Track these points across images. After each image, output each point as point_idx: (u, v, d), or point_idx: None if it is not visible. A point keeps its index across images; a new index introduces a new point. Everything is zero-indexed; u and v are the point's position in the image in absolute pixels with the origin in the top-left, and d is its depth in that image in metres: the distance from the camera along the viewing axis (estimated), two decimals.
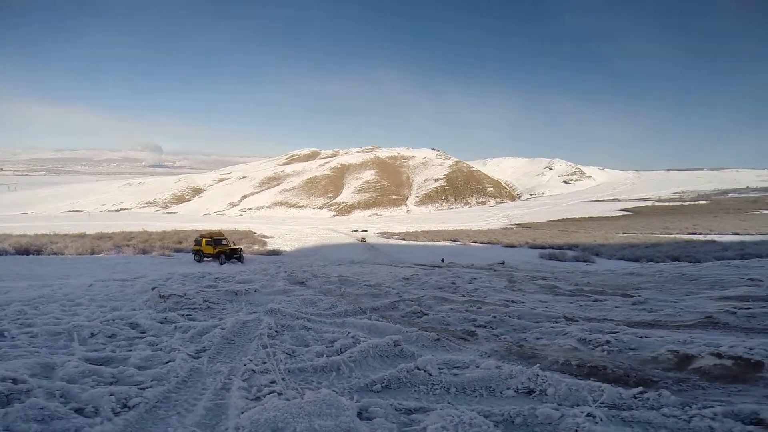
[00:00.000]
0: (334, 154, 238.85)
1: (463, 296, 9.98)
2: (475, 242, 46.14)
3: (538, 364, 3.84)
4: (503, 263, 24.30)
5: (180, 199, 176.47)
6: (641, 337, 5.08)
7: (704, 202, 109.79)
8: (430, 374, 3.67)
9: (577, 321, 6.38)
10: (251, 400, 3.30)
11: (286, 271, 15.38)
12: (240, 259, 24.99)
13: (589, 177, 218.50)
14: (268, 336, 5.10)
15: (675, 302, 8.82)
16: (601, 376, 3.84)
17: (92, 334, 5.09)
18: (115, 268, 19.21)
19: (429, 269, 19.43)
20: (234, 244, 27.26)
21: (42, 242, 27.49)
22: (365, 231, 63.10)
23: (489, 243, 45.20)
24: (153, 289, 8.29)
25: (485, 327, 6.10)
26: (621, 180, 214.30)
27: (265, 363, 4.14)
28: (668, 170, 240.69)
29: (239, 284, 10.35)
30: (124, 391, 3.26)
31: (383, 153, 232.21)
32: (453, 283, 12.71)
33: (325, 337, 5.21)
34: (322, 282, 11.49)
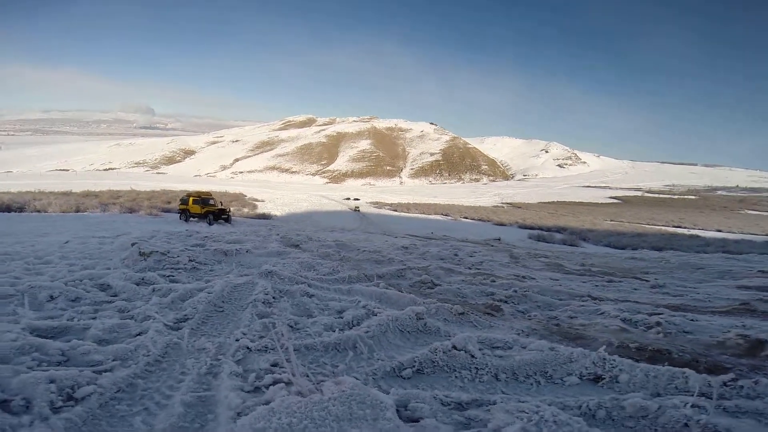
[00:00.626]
0: (331, 122, 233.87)
1: (469, 269, 9.40)
2: (466, 218, 46.27)
3: (603, 347, 3.14)
4: (499, 239, 23.95)
5: (171, 161, 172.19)
6: (691, 320, 4.50)
7: (693, 197, 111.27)
8: (473, 356, 2.93)
9: (605, 301, 5.81)
10: (248, 392, 2.46)
11: (278, 234, 14.62)
12: (228, 220, 24.20)
13: (584, 162, 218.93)
14: (264, 303, 4.27)
15: (694, 288, 8.38)
16: (667, 361, 3.21)
17: (51, 297, 4.15)
18: (99, 225, 18.18)
19: (424, 240, 18.92)
20: (222, 205, 26.37)
21: (25, 199, 26.11)
22: (357, 200, 62.27)
23: (480, 220, 45.43)
24: (133, 245, 7.41)
25: (506, 302, 5.44)
26: (615, 168, 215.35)
27: (263, 338, 3.29)
28: (663, 162, 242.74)
29: (229, 244, 9.50)
30: (71, 376, 2.33)
31: (381, 124, 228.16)
32: (455, 255, 12.15)
33: (331, 306, 4.40)
34: (318, 246, 10.74)
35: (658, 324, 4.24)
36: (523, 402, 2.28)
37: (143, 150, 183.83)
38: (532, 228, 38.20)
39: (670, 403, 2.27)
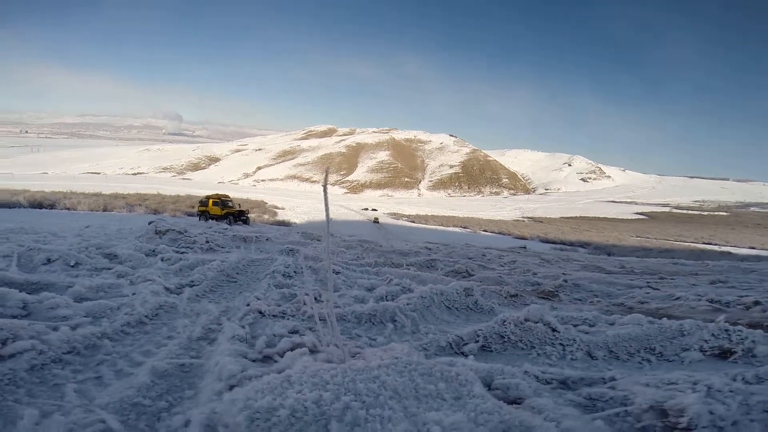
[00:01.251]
0: (351, 133, 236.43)
1: (502, 266, 8.68)
2: (485, 231, 45.35)
3: (723, 315, 2.41)
4: (524, 248, 23.01)
5: (196, 167, 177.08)
6: None
7: (724, 213, 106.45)
8: (554, 330, 2.24)
9: (669, 292, 4.98)
10: (254, 360, 1.79)
11: (299, 231, 14.33)
12: (247, 221, 24.18)
13: (609, 177, 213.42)
14: (284, 275, 3.66)
15: (761, 284, 7.40)
16: None
17: (49, 260, 3.63)
18: (122, 221, 18.39)
19: (446, 246, 18.25)
20: (240, 206, 26.50)
21: (56, 198, 27.09)
22: (375, 210, 61.85)
23: (499, 233, 44.44)
24: (150, 224, 7.04)
25: (556, 293, 4.72)
26: (641, 183, 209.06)
27: (279, 306, 2.64)
28: (692, 177, 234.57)
29: (250, 233, 9.13)
30: (11, 327, 1.72)
31: (399, 135, 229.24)
32: (483, 255, 11.42)
33: (360, 283, 3.76)
34: (340, 240, 10.25)
35: (757, 303, 3.47)
36: (657, 376, 1.59)
37: (170, 156, 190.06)
38: (554, 242, 37.06)
39: None
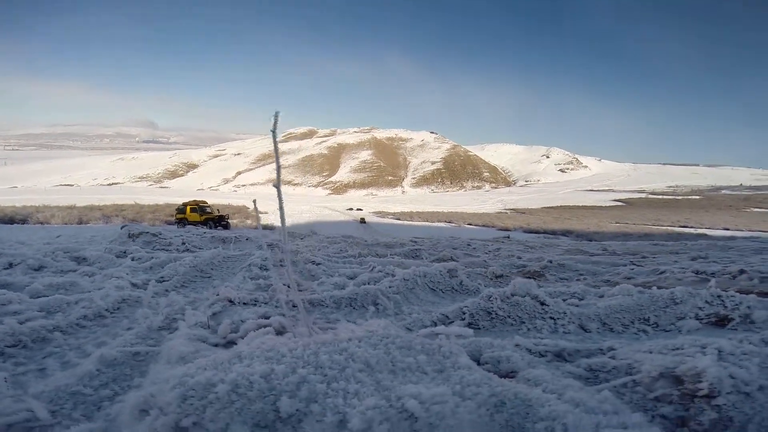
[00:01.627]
0: (331, 134, 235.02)
1: (487, 253, 8.65)
2: (470, 224, 45.88)
3: (713, 279, 2.34)
4: (509, 237, 23.29)
5: (173, 174, 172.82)
6: None
7: (697, 197, 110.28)
8: (543, 303, 2.14)
9: (649, 266, 4.98)
10: (216, 345, 1.65)
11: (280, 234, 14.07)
12: (227, 227, 23.75)
13: (585, 167, 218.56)
14: (260, 268, 3.49)
15: (741, 259, 7.55)
16: None
17: (10, 264, 3.37)
18: (98, 232, 17.70)
19: (431, 239, 18.22)
20: (218, 211, 26.05)
21: (28, 212, 25.85)
22: (360, 210, 61.57)
23: (483, 225, 45.06)
24: (122, 228, 6.73)
25: (543, 271, 4.67)
26: (617, 171, 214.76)
27: (252, 294, 2.46)
28: (664, 164, 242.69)
29: (229, 234, 8.86)
30: None
31: (381, 134, 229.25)
32: (468, 245, 11.42)
33: (342, 272, 3.60)
34: (323, 237, 10.05)
35: (743, 272, 3.46)
36: (660, 343, 1.48)
37: (146, 164, 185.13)
38: (537, 232, 37.69)
39: None
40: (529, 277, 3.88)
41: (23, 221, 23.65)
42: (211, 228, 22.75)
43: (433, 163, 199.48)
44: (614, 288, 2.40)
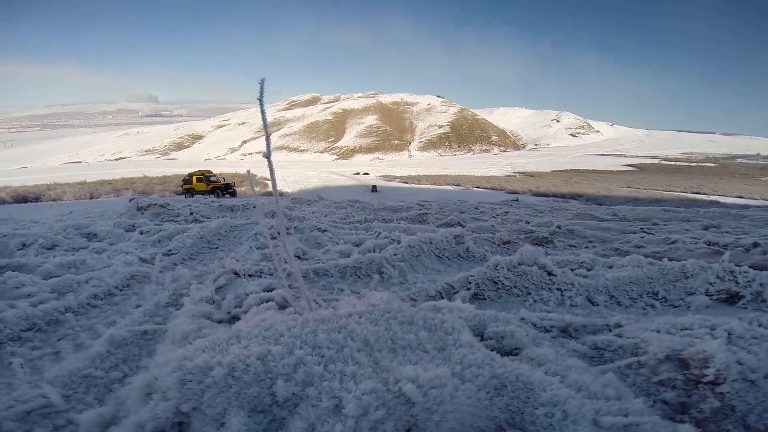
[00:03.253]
0: (336, 100, 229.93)
1: (495, 218, 8.59)
2: (478, 187, 45.46)
3: (727, 253, 2.28)
4: (517, 200, 23.09)
5: (180, 146, 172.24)
6: None
7: (712, 164, 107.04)
8: (550, 273, 2.10)
9: (660, 234, 4.92)
10: (220, 321, 1.67)
11: (289, 198, 14.13)
12: (233, 194, 24.07)
13: (597, 132, 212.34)
14: (266, 237, 3.51)
15: (754, 230, 7.41)
16: None
17: (24, 244, 3.44)
18: (110, 205, 18.05)
19: (439, 203, 18.12)
20: (224, 180, 26.25)
21: (40, 190, 26.36)
22: (367, 174, 61.17)
23: (492, 188, 44.67)
24: (131, 200, 6.78)
25: (551, 237, 4.63)
26: (630, 136, 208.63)
27: (257, 265, 2.49)
28: (679, 131, 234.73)
29: (236, 202, 8.93)
30: None
31: (386, 98, 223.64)
32: (476, 209, 11.33)
33: (347, 239, 3.61)
34: (331, 202, 10.04)
35: (756, 245, 3.38)
36: (669, 321, 1.44)
37: (151, 138, 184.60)
38: (546, 195, 37.30)
39: None
40: (537, 244, 3.84)
41: (36, 199, 24.16)
42: (218, 197, 23.03)
43: (440, 126, 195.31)
44: (624, 258, 2.34)
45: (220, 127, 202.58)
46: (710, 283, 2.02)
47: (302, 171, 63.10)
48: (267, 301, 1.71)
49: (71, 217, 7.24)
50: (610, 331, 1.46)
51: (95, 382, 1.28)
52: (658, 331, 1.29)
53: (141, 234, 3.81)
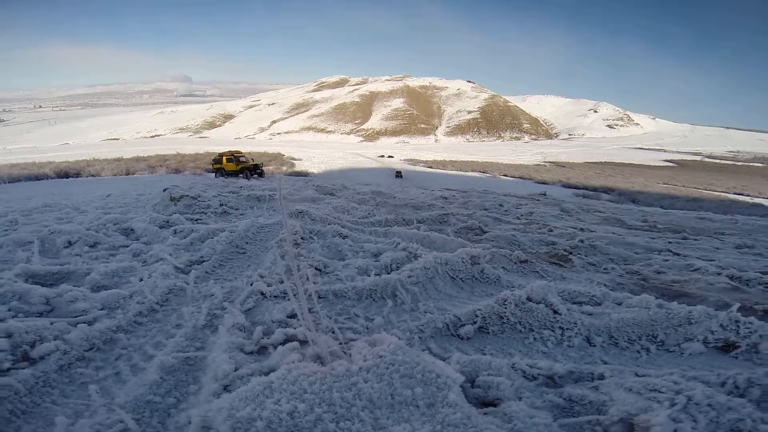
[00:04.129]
0: (363, 82, 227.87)
1: (518, 218, 8.52)
2: (506, 176, 44.32)
3: (737, 305, 2.29)
4: (545, 194, 22.49)
5: (211, 125, 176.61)
6: None
7: (760, 165, 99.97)
8: (556, 311, 2.18)
9: (691, 258, 4.80)
10: (249, 353, 1.86)
11: (315, 184, 14.39)
12: (262, 174, 24.75)
13: (637, 124, 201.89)
14: (291, 243, 3.71)
15: None
16: None
17: (69, 242, 3.81)
18: (145, 184, 19.03)
19: (463, 193, 17.89)
20: (253, 160, 26.89)
21: (80, 166, 28.08)
22: (391, 157, 60.93)
23: (520, 177, 43.45)
24: (164, 191, 7.16)
25: (572, 253, 4.61)
26: (672, 131, 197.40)
27: (282, 283, 2.66)
28: (727, 128, 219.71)
29: (264, 191, 9.26)
30: (35, 329, 1.84)
31: (414, 82, 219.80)
32: (500, 206, 11.20)
33: (366, 249, 3.76)
34: (354, 193, 10.20)
35: None
36: (643, 376, 1.54)
37: (185, 117, 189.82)
38: (576, 187, 36.01)
39: None
40: (556, 263, 3.86)
41: (77, 175, 25.75)
42: (247, 177, 23.68)
43: (469, 112, 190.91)
44: (634, 298, 2.38)
45: (251, 107, 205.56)
46: (711, 331, 2.08)
47: (328, 152, 63.59)
48: (291, 336, 1.88)
49: (109, 204, 7.68)
50: (592, 380, 1.57)
51: (156, 407, 1.51)
52: (630, 390, 1.39)
53: (175, 234, 4.09)
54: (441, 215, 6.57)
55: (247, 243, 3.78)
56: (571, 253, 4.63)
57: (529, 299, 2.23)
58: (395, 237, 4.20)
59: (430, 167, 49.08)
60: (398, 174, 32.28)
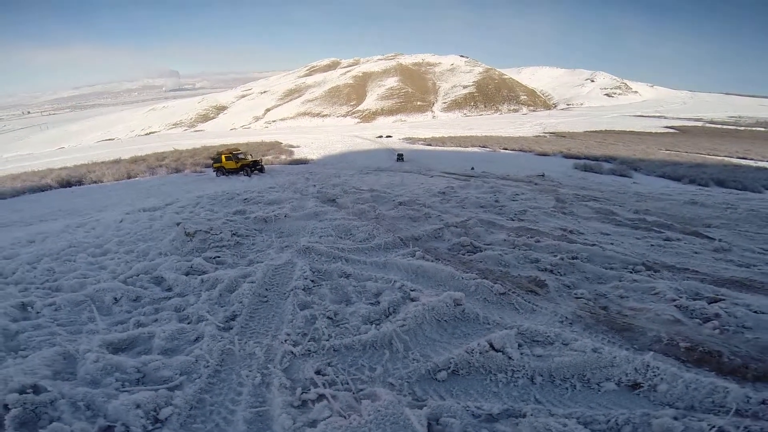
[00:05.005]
0: (355, 63, 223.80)
1: (512, 219, 9.01)
2: (506, 149, 44.01)
3: (651, 353, 3.01)
4: (543, 175, 22.74)
5: (205, 118, 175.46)
6: (756, 312, 3.94)
7: (762, 129, 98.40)
8: (510, 358, 2.92)
9: (660, 272, 5.33)
10: (297, 407, 2.65)
11: (315, 185, 14.84)
12: (262, 170, 25.23)
13: (635, 92, 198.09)
14: (304, 290, 4.44)
15: (765, 252, 7.40)
16: (715, 366, 3.06)
17: (115, 299, 4.58)
18: (149, 192, 19.51)
19: (463, 180, 18.10)
20: (251, 156, 27.22)
21: (81, 173, 28.22)
22: (390, 137, 60.84)
23: (520, 150, 43.15)
24: (178, 224, 7.77)
25: (552, 272, 5.15)
26: (671, 98, 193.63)
27: (305, 335, 3.47)
28: (727, 94, 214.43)
29: (268, 206, 9.89)
30: (151, 399, 2.65)
31: (407, 60, 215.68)
32: (496, 201, 11.65)
33: (368, 289, 4.50)
34: (354, 200, 10.76)
35: (717, 316, 3.86)
36: (552, 416, 2.34)
37: (178, 111, 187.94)
38: (577, 158, 35.62)
39: (697, 427, 2.28)
40: (531, 291, 4.50)
41: (79, 182, 25.89)
42: (247, 174, 24.12)
43: (464, 87, 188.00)
44: (577, 342, 3.07)
45: (243, 96, 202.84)
46: (626, 373, 2.80)
47: (326, 136, 63.35)
48: (322, 395, 2.71)
49: (126, 234, 8.25)
50: (517, 417, 2.37)
51: None
52: (536, 428, 2.15)
53: (202, 283, 4.90)
54: (436, 230, 7.20)
55: (267, 290, 4.50)
56: (551, 271, 5.27)
57: (491, 346, 2.96)
58: (392, 272, 4.89)
59: (429, 145, 48.76)
60: (400, 157, 32.14)
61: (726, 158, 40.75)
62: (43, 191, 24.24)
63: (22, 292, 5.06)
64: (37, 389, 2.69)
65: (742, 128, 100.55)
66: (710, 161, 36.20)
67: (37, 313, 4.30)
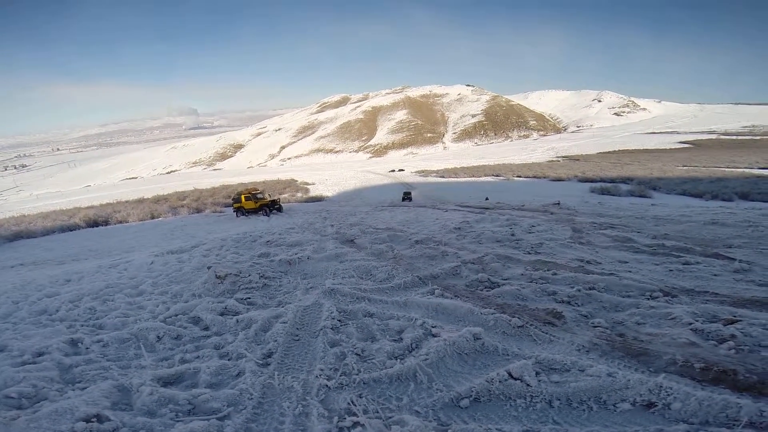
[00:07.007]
0: (364, 98, 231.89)
1: (529, 253, 9.17)
2: (519, 177, 43.92)
3: (663, 375, 3.20)
4: (558, 204, 22.78)
5: (223, 156, 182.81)
6: None
7: None
8: (528, 385, 3.17)
9: (677, 297, 5.47)
10: None
11: (332, 225, 15.32)
12: (280, 209, 26.00)
13: (644, 109, 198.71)
14: (332, 329, 4.79)
15: None
16: (731, 384, 3.19)
17: (158, 337, 5.01)
18: (173, 233, 20.41)
19: (477, 212, 18.27)
20: (270, 196, 28.17)
21: (107, 212, 30.01)
22: (402, 170, 61.91)
23: (534, 177, 43.02)
24: (209, 268, 8.27)
25: (569, 303, 5.31)
26: (681, 112, 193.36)
27: (337, 370, 3.80)
28: (737, 103, 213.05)
29: (290, 248, 10.35)
30: (204, 428, 2.98)
31: (414, 92, 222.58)
32: (512, 235, 11.77)
33: (391, 327, 4.83)
34: (372, 240, 11.13)
35: (733, 337, 4.00)
36: None
37: (197, 150, 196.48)
38: (593, 181, 35.36)
39: None
40: (549, 323, 4.70)
41: (105, 222, 27.45)
42: (266, 214, 24.91)
43: (473, 116, 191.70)
44: (592, 368, 3.29)
45: (259, 134, 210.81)
46: (641, 394, 2.99)
47: (340, 172, 64.79)
48: (356, 423, 3.02)
49: (158, 276, 8.75)
50: None
51: None
52: None
53: (237, 323, 5.31)
54: (453, 268, 7.44)
55: (298, 330, 4.88)
56: (568, 302, 5.44)
57: (510, 375, 3.21)
58: (413, 311, 5.19)
59: (442, 177, 49.40)
60: (407, 195, 29.78)
61: (746, 170, 39.85)
62: (71, 230, 25.61)
63: (69, 328, 5.53)
64: (100, 418, 3.08)
65: (758, 137, 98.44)
66: (730, 174, 35.39)
67: (87, 348, 4.76)
